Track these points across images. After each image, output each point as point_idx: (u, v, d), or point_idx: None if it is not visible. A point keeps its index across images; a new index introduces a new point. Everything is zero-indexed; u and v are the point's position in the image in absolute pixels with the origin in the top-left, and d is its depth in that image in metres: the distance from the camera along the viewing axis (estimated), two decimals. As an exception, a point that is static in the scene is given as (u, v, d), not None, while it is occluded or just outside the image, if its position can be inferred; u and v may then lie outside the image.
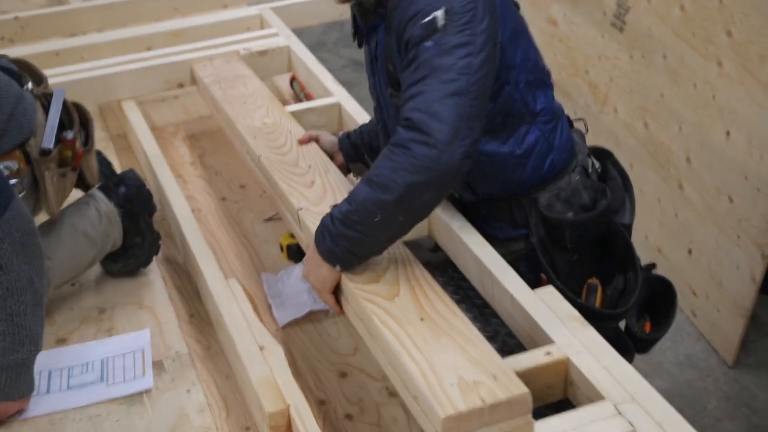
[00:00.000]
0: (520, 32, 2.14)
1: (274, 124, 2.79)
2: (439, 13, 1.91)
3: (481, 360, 1.75)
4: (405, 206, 1.91)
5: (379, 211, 1.90)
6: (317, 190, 2.38)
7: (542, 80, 2.20)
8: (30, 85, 2.43)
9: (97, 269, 2.72)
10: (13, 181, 2.25)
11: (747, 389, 3.48)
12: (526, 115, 2.15)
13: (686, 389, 3.48)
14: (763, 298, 3.61)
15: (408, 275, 2.02)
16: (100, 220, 2.53)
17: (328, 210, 2.16)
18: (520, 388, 1.68)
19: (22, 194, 2.28)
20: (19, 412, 2.21)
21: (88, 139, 2.57)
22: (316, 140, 2.65)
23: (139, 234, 2.62)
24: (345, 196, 2.28)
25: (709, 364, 3.61)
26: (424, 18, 1.92)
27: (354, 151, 2.62)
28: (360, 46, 2.34)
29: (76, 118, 2.51)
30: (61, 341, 2.46)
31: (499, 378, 1.70)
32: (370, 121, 2.64)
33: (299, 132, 2.71)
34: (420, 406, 1.73)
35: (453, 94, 1.87)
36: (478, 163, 2.07)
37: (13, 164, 2.27)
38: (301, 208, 2.30)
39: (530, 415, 1.70)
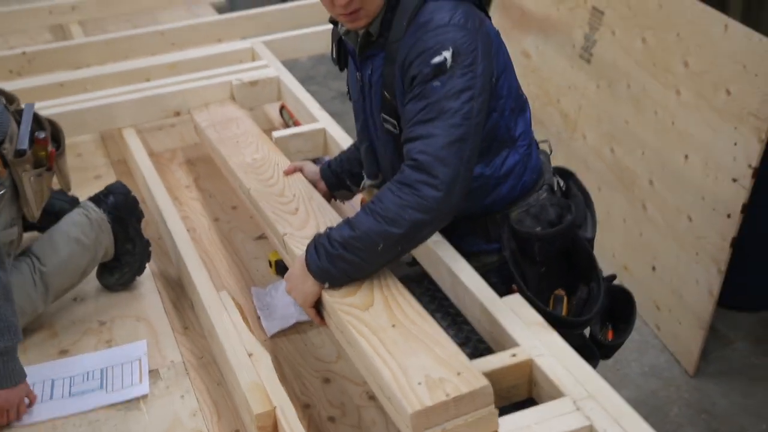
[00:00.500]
0: (507, 66, 2.18)
1: (262, 158, 2.82)
2: (447, 54, 1.95)
3: (446, 359, 1.79)
4: (407, 239, 1.97)
5: (383, 241, 1.95)
6: (301, 216, 2.41)
7: (521, 107, 2.23)
8: (3, 100, 2.49)
9: (96, 285, 2.75)
10: None
11: (707, 397, 3.50)
12: (508, 141, 2.19)
13: (651, 398, 3.51)
14: (720, 311, 3.64)
15: (382, 286, 2.05)
16: (91, 227, 2.57)
17: (311, 234, 2.20)
18: (482, 382, 1.71)
19: (2, 199, 2.36)
20: (26, 414, 2.23)
21: (60, 147, 2.62)
22: (301, 170, 2.66)
23: (129, 240, 2.66)
24: (327, 220, 2.34)
25: (672, 374, 3.63)
26: (433, 57, 1.96)
27: (335, 179, 2.62)
28: (342, 69, 2.36)
29: (47, 125, 2.57)
30: (64, 352, 2.48)
31: (462, 374, 1.73)
32: (349, 148, 2.66)
33: (286, 164, 2.74)
34: (393, 405, 1.76)
35: (457, 140, 1.93)
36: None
37: None
38: (286, 233, 2.33)
39: (493, 407, 1.73)
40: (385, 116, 2.17)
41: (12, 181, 2.41)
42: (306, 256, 2.04)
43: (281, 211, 2.45)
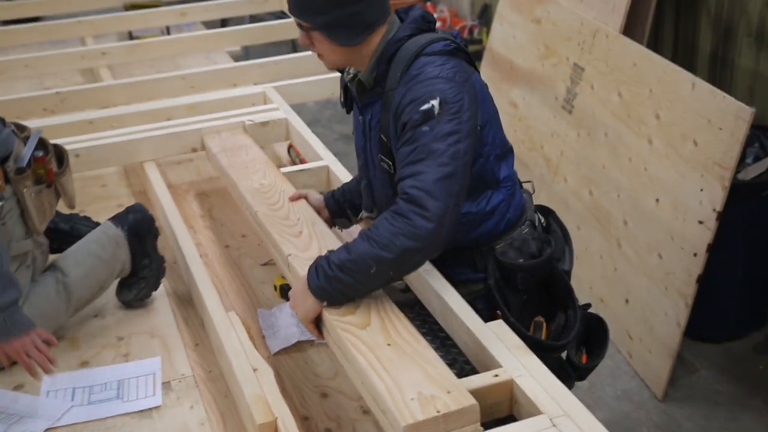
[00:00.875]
0: (493, 116, 2.20)
1: (269, 184, 2.84)
2: (435, 103, 1.98)
3: (437, 378, 1.79)
4: (398, 264, 1.97)
5: (375, 264, 1.95)
6: (304, 239, 2.42)
7: (506, 153, 2.25)
8: (13, 126, 2.52)
9: (115, 303, 2.76)
10: None
11: (674, 419, 3.50)
12: (493, 182, 2.20)
13: (623, 419, 3.50)
14: (687, 341, 3.65)
15: (378, 308, 2.06)
16: (109, 243, 2.60)
17: (314, 255, 2.21)
18: (470, 400, 1.72)
19: (2, 211, 2.39)
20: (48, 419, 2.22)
21: (62, 166, 2.63)
22: (305, 198, 2.67)
23: (146, 256, 2.67)
24: (329, 244, 2.34)
25: (642, 398, 3.63)
26: (422, 105, 1.98)
27: (338, 208, 2.63)
28: (348, 112, 2.38)
29: (51, 148, 2.58)
30: (84, 363, 2.48)
31: (452, 392, 1.74)
32: (352, 180, 2.66)
33: (291, 191, 2.75)
34: (387, 418, 1.76)
35: (446, 177, 1.94)
36: (459, 222, 2.14)
37: None
38: (290, 254, 2.34)
39: (479, 424, 1.73)
40: (382, 157, 2.19)
41: (17, 201, 2.45)
42: (308, 276, 2.05)
43: (286, 234, 2.46)
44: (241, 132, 3.45)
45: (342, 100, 2.39)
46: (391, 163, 2.17)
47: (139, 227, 2.68)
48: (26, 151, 2.47)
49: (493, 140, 2.19)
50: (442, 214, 1.92)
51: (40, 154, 2.52)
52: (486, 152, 2.16)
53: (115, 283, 2.71)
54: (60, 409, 2.28)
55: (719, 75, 4.20)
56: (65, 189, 2.66)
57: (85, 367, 2.47)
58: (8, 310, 2.27)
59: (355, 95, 2.27)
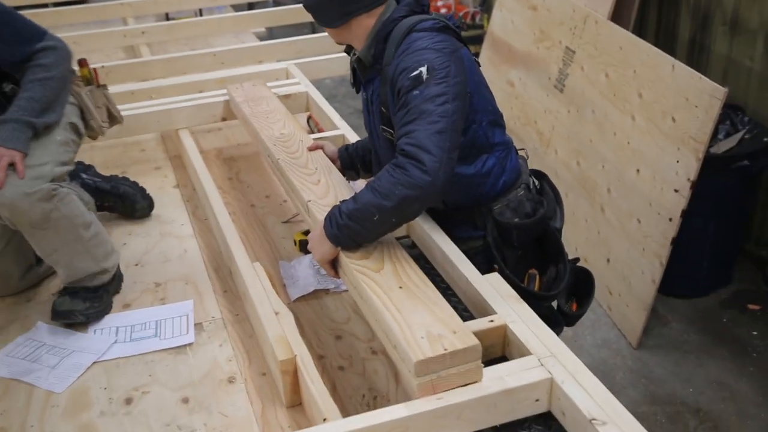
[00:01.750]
0: (481, 84, 2.19)
1: (289, 134, 2.80)
2: (423, 69, 1.97)
3: (444, 319, 1.79)
4: (398, 211, 1.96)
5: (378, 212, 1.95)
6: (322, 187, 2.39)
7: (497, 121, 2.24)
8: None
9: (155, 254, 2.78)
10: None
11: (647, 365, 3.53)
12: (487, 147, 2.20)
13: (601, 365, 3.54)
14: (660, 297, 3.67)
15: (391, 254, 2.05)
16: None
17: (331, 202, 2.22)
18: (473, 340, 1.72)
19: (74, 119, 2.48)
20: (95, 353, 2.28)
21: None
22: (322, 148, 2.64)
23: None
24: (344, 192, 2.34)
25: (619, 346, 3.65)
26: (412, 72, 1.98)
27: (349, 161, 2.60)
28: (358, 92, 2.38)
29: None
30: (126, 306, 2.51)
31: (457, 333, 1.74)
32: (365, 138, 2.63)
33: (308, 141, 2.71)
34: (399, 353, 1.76)
35: (437, 133, 1.93)
36: (457, 183, 2.14)
37: None
38: (310, 200, 2.31)
39: (480, 361, 1.74)
40: (384, 127, 2.19)
41: (74, 98, 2.51)
42: (323, 224, 2.05)
43: (306, 181, 2.43)
44: (262, 84, 3.42)
45: (351, 80, 2.38)
46: (392, 131, 2.16)
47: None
48: None
49: (484, 108, 2.18)
50: (436, 166, 1.91)
51: (82, 57, 2.64)
52: (478, 119, 2.15)
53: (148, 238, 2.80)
54: (105, 345, 2.32)
55: (696, 59, 4.18)
56: (110, 100, 2.74)
57: (127, 309, 2.50)
58: (17, 125, 2.27)
59: (359, 73, 2.27)
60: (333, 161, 2.59)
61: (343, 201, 2.04)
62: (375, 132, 2.30)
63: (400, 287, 1.92)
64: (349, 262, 2.03)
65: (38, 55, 2.38)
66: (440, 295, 1.89)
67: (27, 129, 2.29)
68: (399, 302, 1.85)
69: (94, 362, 2.26)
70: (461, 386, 1.74)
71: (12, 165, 2.22)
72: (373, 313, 1.89)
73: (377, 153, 2.38)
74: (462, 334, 1.74)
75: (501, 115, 2.29)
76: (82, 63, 2.67)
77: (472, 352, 1.72)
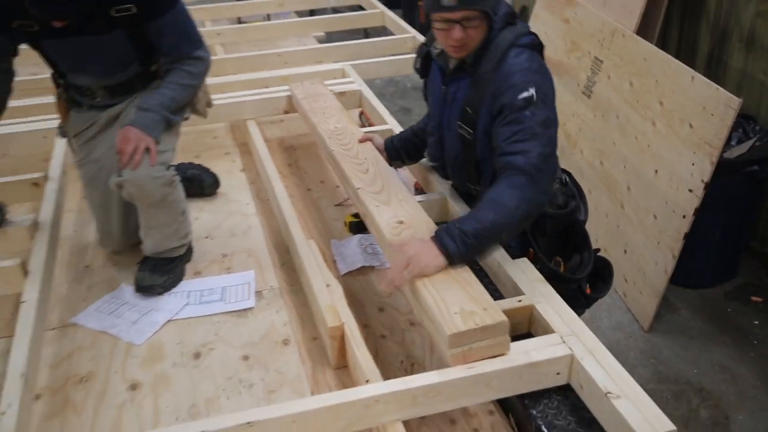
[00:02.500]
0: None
1: (342, 128, 2.80)
2: (533, 91, 1.93)
3: (476, 297, 1.79)
4: (518, 227, 1.98)
5: (505, 230, 1.94)
6: (370, 176, 2.39)
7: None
8: None
9: (223, 230, 2.80)
10: None
11: (656, 347, 3.48)
12: None
13: (615, 345, 3.50)
14: (671, 286, 3.61)
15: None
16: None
17: (378, 190, 2.23)
18: (501, 317, 1.72)
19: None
20: (168, 312, 2.33)
21: None
22: (371, 140, 2.63)
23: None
24: (390, 180, 2.32)
25: (632, 329, 3.61)
26: (521, 93, 1.93)
27: (395, 152, 2.58)
28: (422, 77, 2.31)
29: None
30: (197, 273, 2.55)
31: (488, 309, 1.74)
32: (407, 130, 2.59)
33: (359, 134, 2.71)
34: (434, 326, 1.76)
35: (547, 156, 1.95)
36: None
37: None
38: (359, 188, 2.32)
39: (507, 336, 1.74)
40: (461, 124, 2.13)
41: None
42: (442, 241, 1.88)
43: (356, 170, 2.44)
44: (320, 83, 3.43)
45: (418, 67, 2.31)
46: (470, 130, 2.11)
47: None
48: None
49: None
50: (547, 186, 1.95)
51: None
52: None
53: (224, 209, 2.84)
54: (178, 306, 2.36)
55: (714, 71, 4.09)
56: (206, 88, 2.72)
57: (198, 276, 2.54)
58: (154, 115, 2.30)
59: (441, 68, 2.20)
60: (380, 152, 2.59)
61: (457, 221, 1.92)
62: (446, 123, 2.23)
63: None
64: (394, 242, 2.02)
65: (190, 61, 2.40)
66: (474, 276, 1.88)
67: (164, 123, 2.34)
68: (436, 282, 1.85)
69: (169, 320, 2.31)
70: (490, 358, 1.74)
71: (147, 150, 2.28)
72: (413, 291, 1.89)
73: (441, 141, 2.30)
74: (492, 311, 1.74)
75: None
76: None
77: (500, 327, 1.72)
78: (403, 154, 2.58)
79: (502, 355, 1.75)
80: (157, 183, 2.31)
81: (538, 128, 1.92)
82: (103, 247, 2.66)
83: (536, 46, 2.06)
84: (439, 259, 1.87)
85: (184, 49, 2.39)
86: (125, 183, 2.27)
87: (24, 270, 2.36)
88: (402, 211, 2.17)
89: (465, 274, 1.89)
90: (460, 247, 1.87)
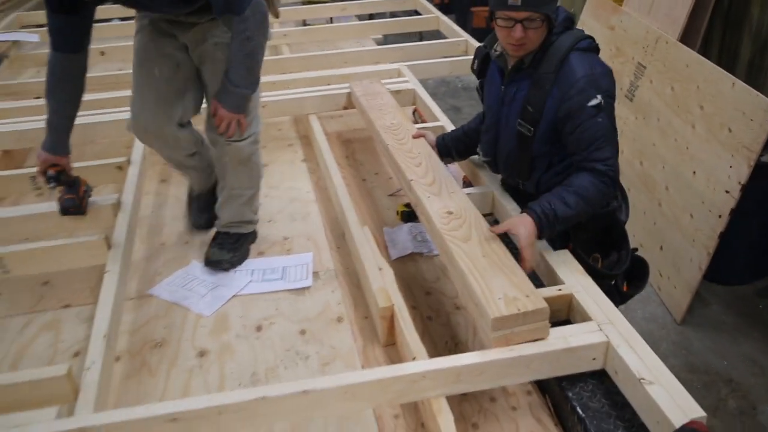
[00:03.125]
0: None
1: (398, 124, 2.79)
2: (600, 97, 1.94)
3: (519, 284, 1.78)
4: (594, 210, 2.03)
5: (585, 214, 1.99)
6: (423, 169, 2.39)
7: None
8: None
9: (284, 215, 2.82)
10: None
11: (688, 339, 3.41)
12: None
13: (648, 336, 3.43)
14: (704, 282, 3.52)
15: (477, 227, 2.04)
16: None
17: (429, 182, 2.23)
18: (543, 303, 1.71)
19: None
20: (235, 288, 2.36)
21: None
22: (424, 137, 2.61)
23: None
24: (441, 174, 2.32)
25: (665, 321, 3.55)
26: (590, 100, 1.94)
27: (446, 149, 2.55)
28: (479, 77, 2.30)
29: None
30: (261, 253, 2.58)
31: (530, 296, 1.73)
32: (458, 129, 2.57)
33: (413, 130, 2.70)
34: (479, 310, 1.76)
35: (616, 156, 1.99)
36: (554, 172, 2.11)
37: None
38: (412, 180, 2.32)
39: (547, 321, 1.73)
40: (521, 122, 2.11)
41: None
42: (540, 223, 1.94)
43: (410, 163, 2.43)
44: (378, 82, 3.42)
45: (475, 68, 2.30)
46: (530, 127, 2.09)
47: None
48: None
49: None
50: (618, 180, 2.03)
51: None
52: None
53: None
54: (243, 283, 2.40)
55: (754, 78, 3.96)
56: None
57: (261, 256, 2.57)
58: (241, 94, 2.25)
59: (500, 69, 2.18)
60: (432, 148, 2.57)
61: (549, 203, 1.96)
62: (504, 120, 2.20)
63: (484, 256, 1.90)
64: (443, 232, 2.02)
65: (241, 26, 2.15)
66: (517, 265, 1.87)
67: (247, 99, 2.31)
68: (482, 268, 1.85)
69: (234, 295, 2.34)
70: (530, 341, 1.73)
71: (239, 123, 2.32)
72: (460, 276, 1.89)
73: (497, 137, 2.27)
74: (533, 298, 1.73)
75: None
76: None
77: (541, 313, 1.71)
78: (453, 151, 2.56)
79: (542, 339, 1.73)
80: (248, 141, 2.39)
81: (610, 134, 1.98)
82: (130, 128, 2.46)
83: (594, 50, 2.04)
84: (533, 236, 1.94)
85: (230, 8, 2.13)
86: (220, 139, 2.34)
87: (108, 244, 2.42)
88: (451, 202, 2.17)
89: (510, 262, 1.87)
90: (550, 229, 1.96)
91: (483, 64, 2.27)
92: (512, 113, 2.15)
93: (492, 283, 1.79)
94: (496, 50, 2.18)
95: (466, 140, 2.51)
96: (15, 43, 4.77)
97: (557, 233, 2.02)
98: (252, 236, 2.62)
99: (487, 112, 2.29)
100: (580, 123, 1.97)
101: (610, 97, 1.97)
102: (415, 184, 2.29)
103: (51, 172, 2.31)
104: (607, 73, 2.00)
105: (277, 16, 2.49)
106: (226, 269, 2.47)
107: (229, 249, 2.50)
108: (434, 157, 2.48)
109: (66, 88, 2.23)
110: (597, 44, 2.06)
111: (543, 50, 2.02)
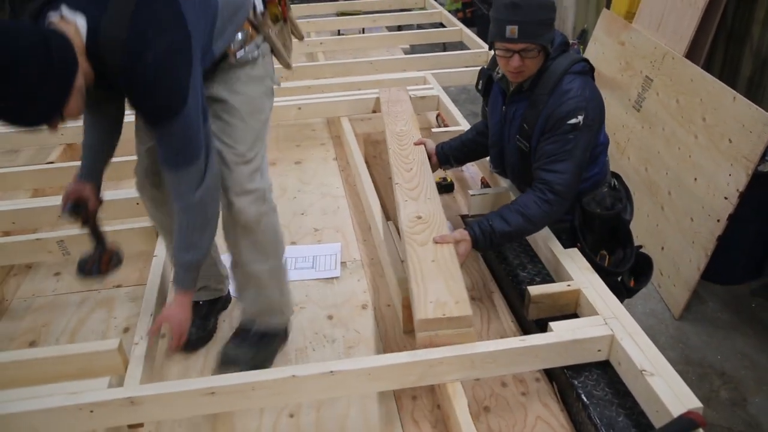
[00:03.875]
0: (604, 119, 2.08)
1: (407, 131, 2.73)
2: (581, 118, 1.91)
3: (454, 290, 1.72)
4: (537, 230, 2.02)
5: (526, 233, 1.99)
6: (411, 174, 2.32)
7: (606, 142, 2.16)
8: None
9: (315, 208, 2.81)
10: (250, 47, 1.78)
11: (685, 334, 3.35)
12: (593, 158, 2.09)
13: (648, 329, 3.30)
14: (702, 281, 3.45)
15: (438, 234, 1.95)
16: None
17: (413, 186, 2.19)
18: (468, 311, 1.65)
19: (266, 56, 1.84)
20: None
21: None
22: (424, 144, 2.55)
23: None
24: (425, 181, 2.25)
25: (664, 317, 3.49)
26: (571, 119, 1.91)
27: (444, 157, 2.50)
28: (484, 96, 2.28)
29: None
30: (293, 243, 2.57)
31: (459, 303, 1.68)
32: (456, 139, 2.52)
33: (417, 137, 2.63)
34: (414, 312, 1.71)
35: (577, 175, 1.95)
36: None
37: (245, 32, 1.76)
38: (397, 183, 2.27)
39: (471, 328, 1.67)
40: (520, 138, 2.10)
41: (263, 41, 1.84)
42: (475, 237, 1.93)
43: (402, 168, 2.37)
44: (404, 90, 3.39)
45: (480, 88, 2.29)
46: (527, 143, 2.08)
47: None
48: None
49: (604, 136, 2.11)
50: (570, 201, 1.97)
51: None
52: (599, 143, 2.08)
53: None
54: (276, 270, 2.39)
55: (754, 93, 3.88)
56: (293, 22, 2.02)
57: (293, 246, 2.56)
58: (188, 269, 1.69)
59: (502, 90, 2.16)
60: (430, 155, 2.50)
61: (486, 219, 1.94)
62: (506, 137, 2.19)
63: (433, 260, 1.84)
64: (407, 233, 1.97)
65: (184, 187, 1.60)
66: (460, 272, 1.79)
67: (193, 273, 1.71)
68: (426, 272, 1.79)
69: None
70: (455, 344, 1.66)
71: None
72: (408, 276, 1.85)
73: (502, 152, 2.26)
74: (463, 305, 1.67)
75: (608, 138, 2.18)
76: (270, 1, 1.87)
77: (465, 320, 1.65)
78: (452, 159, 2.52)
79: (466, 343, 1.67)
80: (249, 199, 1.74)
81: (577, 151, 1.91)
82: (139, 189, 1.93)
83: (588, 72, 2.00)
84: (468, 249, 1.93)
85: (174, 162, 1.57)
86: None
87: (156, 231, 2.43)
88: (425, 207, 2.10)
89: (453, 269, 1.80)
90: (487, 243, 1.93)
91: (487, 84, 2.25)
92: (513, 131, 2.14)
93: (429, 286, 1.74)
94: (498, 73, 2.17)
95: (464, 149, 2.47)
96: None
97: (507, 244, 2.04)
98: (282, 335, 2.00)
99: (491, 129, 2.27)
100: (552, 135, 1.94)
101: (591, 121, 1.91)
102: (398, 187, 2.25)
103: (70, 201, 1.79)
104: (595, 98, 1.95)
105: (288, 67, 2.01)
106: (244, 370, 1.77)
107: (251, 345, 1.92)
108: (426, 164, 2.41)
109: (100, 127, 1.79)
110: (591, 66, 2.02)
111: (540, 73, 2.00)
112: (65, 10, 1.42)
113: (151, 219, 1.98)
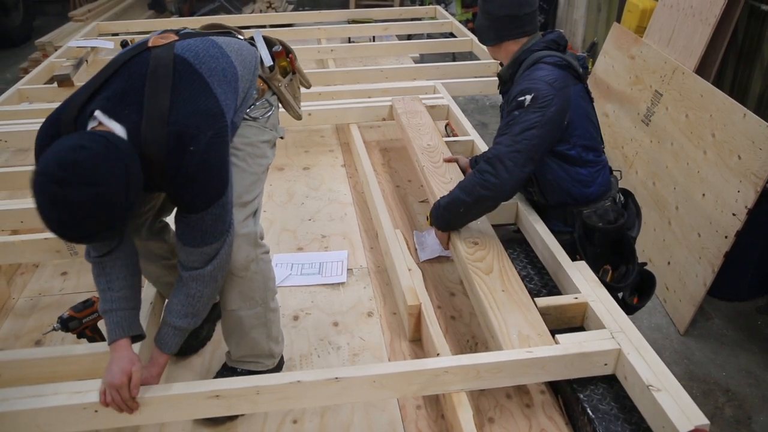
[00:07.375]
0: (586, 116, 2.07)
1: (434, 146, 2.78)
2: (529, 97, 1.93)
3: (533, 323, 1.76)
4: (476, 206, 2.01)
5: (462, 206, 2.00)
6: None
7: (593, 146, 2.12)
8: (239, 36, 1.84)
9: (323, 214, 2.81)
10: (261, 102, 1.80)
11: (689, 349, 3.33)
12: (579, 161, 2.09)
13: (653, 344, 3.26)
14: (707, 297, 3.43)
15: (499, 259, 2.02)
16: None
17: None
18: (551, 342, 1.70)
19: (271, 112, 1.82)
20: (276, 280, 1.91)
21: (292, 53, 1.97)
22: (457, 161, 2.62)
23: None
24: None
25: (669, 332, 3.47)
26: (521, 96, 1.95)
27: None
28: (502, 95, 2.30)
29: (276, 41, 1.93)
30: (300, 249, 2.57)
31: (541, 336, 1.72)
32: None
33: (445, 151, 2.69)
34: (495, 343, 1.76)
35: (515, 151, 1.93)
36: (554, 183, 2.07)
37: (258, 89, 1.79)
38: None
39: None
40: None
41: (273, 94, 1.87)
42: (432, 216, 2.15)
43: (442, 188, 2.41)
44: (417, 99, 3.39)
45: (499, 88, 2.30)
46: None
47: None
48: (264, 52, 1.85)
49: (582, 134, 2.06)
50: (507, 177, 1.93)
51: (278, 48, 1.90)
52: (573, 140, 2.05)
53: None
54: (282, 276, 2.39)
55: (764, 111, 3.87)
56: (300, 72, 2.01)
57: (300, 252, 2.56)
58: (178, 332, 1.63)
59: (499, 85, 2.24)
60: (465, 170, 2.56)
61: (443, 196, 2.09)
62: None
63: (503, 290, 1.88)
64: (467, 261, 2.00)
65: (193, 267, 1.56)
66: (531, 301, 1.84)
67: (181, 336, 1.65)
68: (500, 303, 1.84)
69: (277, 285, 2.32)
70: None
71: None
72: (481, 309, 1.88)
73: None
74: (544, 337, 1.72)
75: (599, 143, 2.17)
76: (278, 55, 1.90)
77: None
78: None
79: None
80: (240, 241, 1.64)
81: (518, 127, 1.93)
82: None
83: (563, 66, 2.00)
84: (437, 228, 2.16)
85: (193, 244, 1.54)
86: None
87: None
88: (478, 233, 2.18)
89: (526, 299, 1.85)
90: (436, 217, 2.10)
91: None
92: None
93: (509, 319, 1.77)
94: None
95: None
96: (93, 48, 4.84)
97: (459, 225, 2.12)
98: (272, 371, 1.85)
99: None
100: (506, 114, 2.01)
101: (541, 103, 1.91)
102: None
103: (65, 313, 1.86)
104: (553, 84, 1.94)
105: (299, 118, 2.01)
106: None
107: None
108: None
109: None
110: (568, 62, 2.01)
111: (519, 65, 2.08)
112: (101, 116, 1.41)
113: (145, 274, 1.87)
